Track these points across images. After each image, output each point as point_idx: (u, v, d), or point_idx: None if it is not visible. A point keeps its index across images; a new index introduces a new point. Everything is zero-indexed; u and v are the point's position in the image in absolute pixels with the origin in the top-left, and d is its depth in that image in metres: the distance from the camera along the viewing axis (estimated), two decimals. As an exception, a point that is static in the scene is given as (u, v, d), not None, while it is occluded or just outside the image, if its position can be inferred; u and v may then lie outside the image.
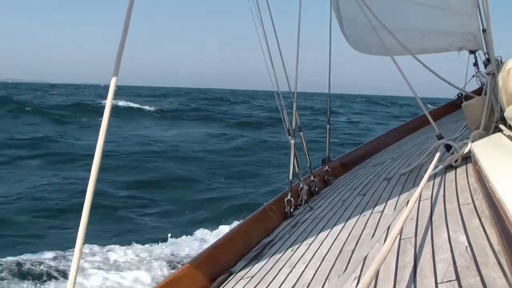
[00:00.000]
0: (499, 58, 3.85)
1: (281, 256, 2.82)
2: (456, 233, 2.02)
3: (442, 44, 5.36)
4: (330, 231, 2.99)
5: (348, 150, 6.36)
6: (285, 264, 2.63)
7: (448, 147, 3.51)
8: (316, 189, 4.43)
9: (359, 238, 2.58)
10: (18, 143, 16.65)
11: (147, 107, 32.87)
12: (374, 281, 1.84)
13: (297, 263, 2.58)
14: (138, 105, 32.94)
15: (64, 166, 13.29)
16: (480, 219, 2.09)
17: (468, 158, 3.26)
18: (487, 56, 4.60)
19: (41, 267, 6.40)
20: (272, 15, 4.07)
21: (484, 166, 2.40)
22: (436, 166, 3.17)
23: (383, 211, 2.96)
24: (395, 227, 1.95)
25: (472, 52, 6.07)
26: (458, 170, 3.17)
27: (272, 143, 18.33)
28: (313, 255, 2.60)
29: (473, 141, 3.29)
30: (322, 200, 4.11)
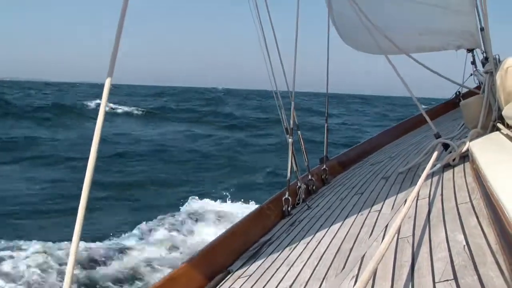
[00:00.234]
0: (497, 57, 3.84)
1: (279, 255, 2.81)
2: (453, 232, 2.02)
3: (439, 43, 5.35)
4: (328, 230, 2.98)
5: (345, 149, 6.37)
6: (283, 263, 2.63)
7: (446, 146, 3.51)
8: (314, 188, 4.43)
9: (357, 237, 2.58)
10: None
11: (125, 108, 32.36)
12: (372, 280, 1.84)
13: (295, 261, 2.57)
14: (124, 108, 32.54)
15: (43, 168, 13.25)
16: (477, 218, 2.09)
17: (466, 157, 3.26)
18: (485, 55, 4.59)
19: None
20: (271, 14, 4.07)
21: (482, 165, 2.40)
22: (434, 165, 3.17)
23: (381, 210, 2.96)
24: (393, 226, 1.94)
25: (470, 50, 6.07)
26: (456, 169, 3.17)
27: (256, 145, 18.44)
28: (311, 254, 2.59)
29: (471, 140, 3.29)
30: (320, 199, 4.11)
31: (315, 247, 2.70)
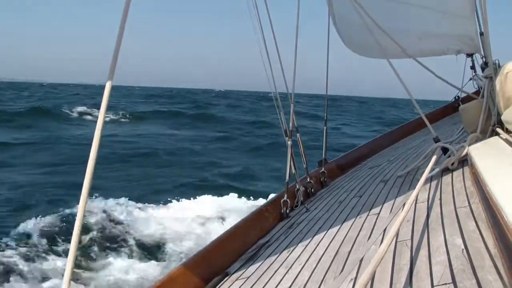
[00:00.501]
0: (496, 62, 3.85)
1: (277, 257, 2.81)
2: (452, 236, 2.02)
3: (439, 47, 5.35)
4: (326, 232, 2.98)
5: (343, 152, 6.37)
6: (281, 265, 2.62)
7: (445, 150, 3.51)
8: (313, 190, 4.43)
9: (355, 240, 2.58)
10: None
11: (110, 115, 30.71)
12: (370, 283, 1.84)
13: (293, 264, 2.57)
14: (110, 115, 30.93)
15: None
16: (476, 222, 2.09)
17: (464, 161, 3.27)
18: (484, 60, 4.60)
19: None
20: (271, 16, 4.07)
21: (480, 170, 2.41)
22: (432, 169, 3.17)
23: (379, 213, 2.96)
24: (391, 229, 1.94)
25: (469, 55, 6.08)
26: (455, 173, 3.17)
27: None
28: (309, 257, 2.59)
29: (470, 144, 3.29)
30: (318, 202, 4.11)
31: (314, 250, 2.69)
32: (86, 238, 7.70)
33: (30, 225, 8.09)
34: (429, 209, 2.57)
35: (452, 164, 3.30)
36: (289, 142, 4.10)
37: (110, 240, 7.83)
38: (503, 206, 1.71)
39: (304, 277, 2.30)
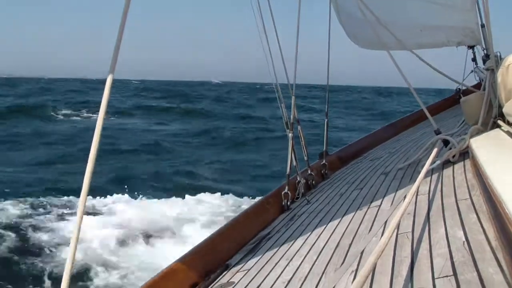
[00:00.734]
0: (498, 54, 3.84)
1: (277, 250, 2.82)
2: (453, 228, 2.02)
3: (440, 39, 5.34)
4: (327, 224, 2.99)
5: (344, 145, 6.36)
6: (281, 258, 2.63)
7: (446, 142, 3.51)
8: (313, 182, 4.43)
9: (356, 232, 2.58)
10: None
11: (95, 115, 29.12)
12: (371, 275, 1.84)
13: (293, 256, 2.58)
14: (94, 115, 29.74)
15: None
16: (477, 214, 2.09)
17: (466, 153, 3.26)
18: (485, 52, 4.59)
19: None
20: (272, 8, 4.05)
21: (482, 162, 2.41)
22: (433, 161, 3.17)
23: (380, 205, 2.96)
24: (392, 222, 1.95)
25: (471, 47, 6.06)
26: (456, 165, 3.17)
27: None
28: (310, 249, 2.60)
29: (471, 136, 3.29)
30: (319, 194, 4.11)
31: (314, 242, 2.70)
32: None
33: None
34: (430, 201, 2.57)
35: (453, 156, 3.30)
36: (290, 134, 4.09)
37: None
38: (504, 198, 1.71)
39: (305, 270, 2.30)
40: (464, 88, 6.26)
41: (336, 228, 2.83)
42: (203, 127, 23.32)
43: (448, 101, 7.31)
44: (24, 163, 14.21)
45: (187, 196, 10.16)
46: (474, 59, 6.23)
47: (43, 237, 7.87)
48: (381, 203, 3.01)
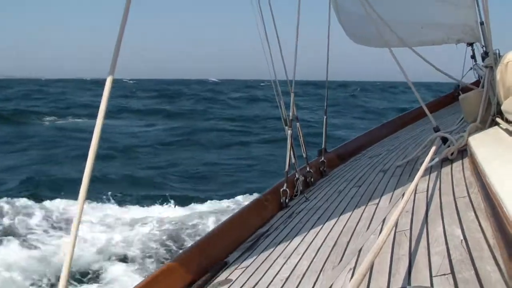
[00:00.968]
0: (497, 51, 3.83)
1: (276, 247, 2.82)
2: (451, 226, 2.03)
3: (439, 37, 5.34)
4: (326, 222, 2.99)
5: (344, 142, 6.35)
6: (280, 255, 2.63)
7: (444, 140, 3.51)
8: (312, 180, 4.43)
9: (354, 230, 2.58)
10: None
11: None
12: (369, 273, 1.84)
13: (292, 254, 2.58)
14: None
15: None
16: (475, 212, 2.09)
17: (464, 151, 3.26)
18: (484, 49, 4.59)
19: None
20: (272, 5, 4.05)
21: (480, 160, 2.40)
22: (432, 159, 3.17)
23: (378, 203, 2.96)
24: (390, 220, 1.94)
25: (470, 44, 6.06)
26: (454, 163, 3.17)
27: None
28: (308, 246, 2.60)
29: (469, 134, 3.29)
30: (317, 191, 4.11)
31: (313, 240, 2.70)
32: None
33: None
34: (428, 199, 2.57)
35: (452, 154, 3.30)
36: (289, 131, 4.09)
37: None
38: (502, 196, 1.71)
39: (303, 267, 2.30)
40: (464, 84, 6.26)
41: (334, 225, 2.83)
42: (186, 129, 22.36)
43: (447, 98, 7.31)
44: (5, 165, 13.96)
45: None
46: (473, 57, 6.23)
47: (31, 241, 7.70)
48: (379, 200, 3.01)
